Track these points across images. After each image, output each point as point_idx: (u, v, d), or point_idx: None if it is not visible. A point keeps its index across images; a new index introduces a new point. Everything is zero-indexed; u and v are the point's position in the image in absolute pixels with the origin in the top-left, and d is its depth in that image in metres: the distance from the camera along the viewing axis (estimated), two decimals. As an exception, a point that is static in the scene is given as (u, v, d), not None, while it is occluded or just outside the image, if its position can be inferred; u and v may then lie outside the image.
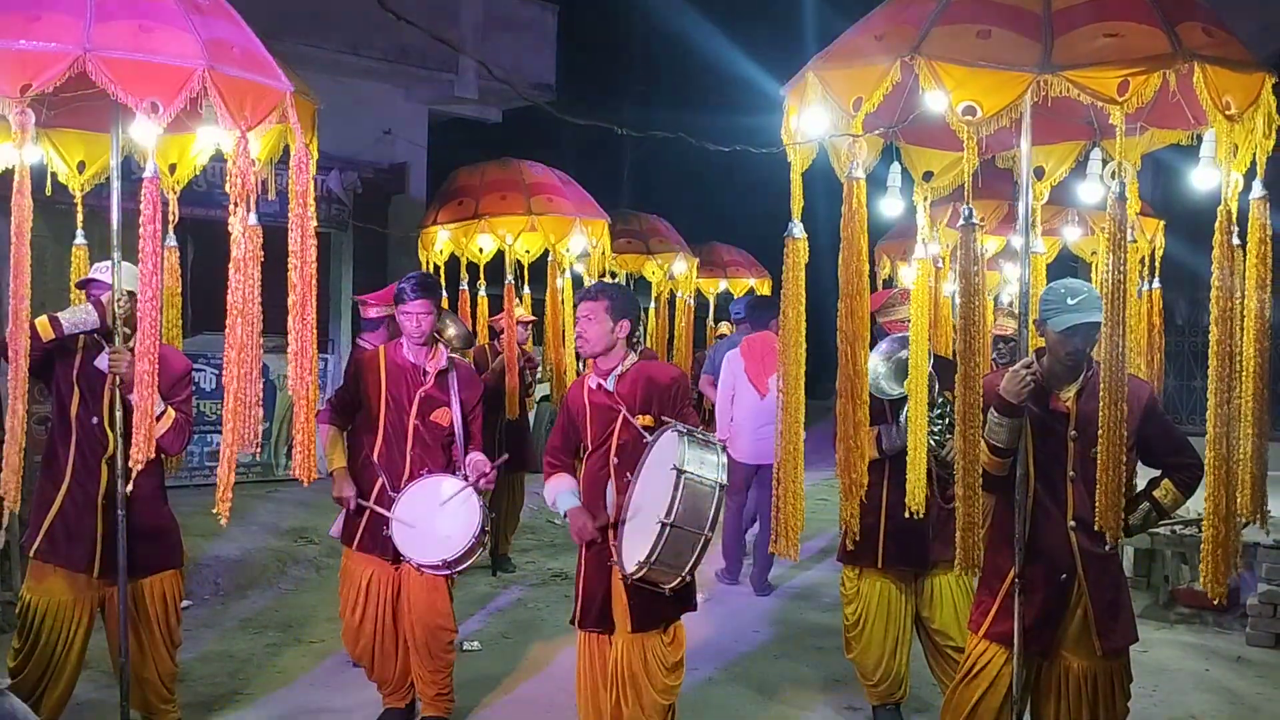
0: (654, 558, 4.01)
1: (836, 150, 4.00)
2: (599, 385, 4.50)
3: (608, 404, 4.47)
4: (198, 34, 3.83)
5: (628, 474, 4.35)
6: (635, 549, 4.13)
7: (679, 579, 4.14)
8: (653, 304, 11.82)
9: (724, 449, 4.21)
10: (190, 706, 5.24)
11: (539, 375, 8.64)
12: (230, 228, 4.00)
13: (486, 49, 12.76)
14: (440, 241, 8.25)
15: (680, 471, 3.98)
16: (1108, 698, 3.98)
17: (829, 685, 5.95)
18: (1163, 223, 7.35)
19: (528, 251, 8.36)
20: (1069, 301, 3.87)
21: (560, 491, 4.62)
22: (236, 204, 3.97)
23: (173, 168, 4.77)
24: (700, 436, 4.17)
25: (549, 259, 8.24)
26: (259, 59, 4.04)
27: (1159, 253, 7.23)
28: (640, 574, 4.10)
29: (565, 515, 4.59)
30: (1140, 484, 4.07)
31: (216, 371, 10.14)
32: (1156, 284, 7.16)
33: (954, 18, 3.61)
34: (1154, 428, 3.94)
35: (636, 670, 4.37)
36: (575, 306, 4.59)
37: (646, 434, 4.34)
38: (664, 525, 3.96)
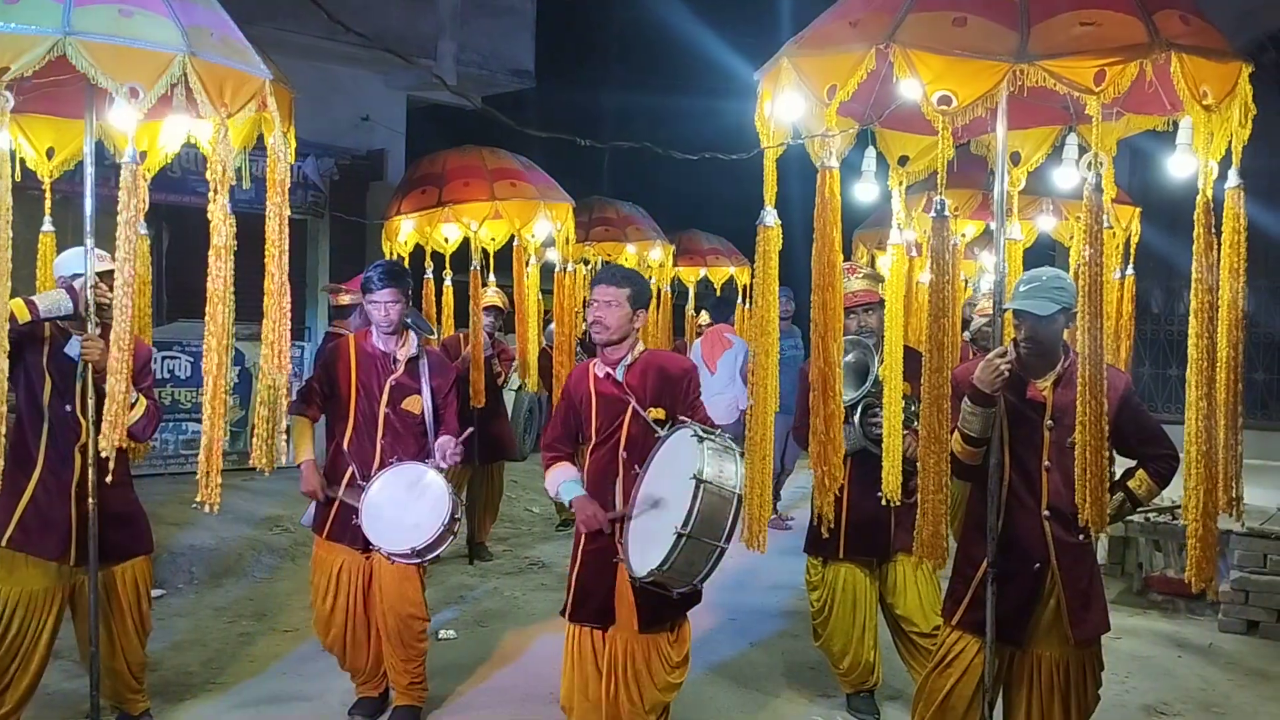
0: (667, 566, 3.90)
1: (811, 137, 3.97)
2: (607, 374, 4.36)
3: (616, 394, 4.33)
4: (178, 20, 3.80)
5: (636, 467, 4.23)
6: (646, 553, 4.01)
7: (689, 587, 4.06)
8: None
9: (741, 455, 4.05)
10: (162, 695, 5.22)
11: (514, 365, 8.58)
12: (210, 215, 3.97)
13: (465, 34, 12.67)
14: (405, 232, 8.18)
15: (700, 481, 3.86)
16: (1079, 686, 3.99)
17: (804, 673, 5.96)
18: (1138, 210, 7.36)
19: (493, 239, 8.30)
20: (1020, 288, 3.89)
21: (563, 481, 4.45)
22: (216, 191, 3.93)
23: (142, 155, 4.71)
24: (720, 443, 4.02)
25: (514, 244, 8.16)
26: (238, 46, 4.01)
27: (1134, 240, 7.23)
28: (650, 579, 4.00)
29: (570, 505, 4.41)
30: (1117, 472, 4.07)
31: (191, 359, 10.07)
32: (1130, 271, 7.16)
33: (930, 4, 3.58)
34: (1129, 418, 3.92)
35: (640, 668, 4.30)
36: (592, 287, 4.39)
37: (657, 427, 4.23)
38: (680, 535, 3.84)
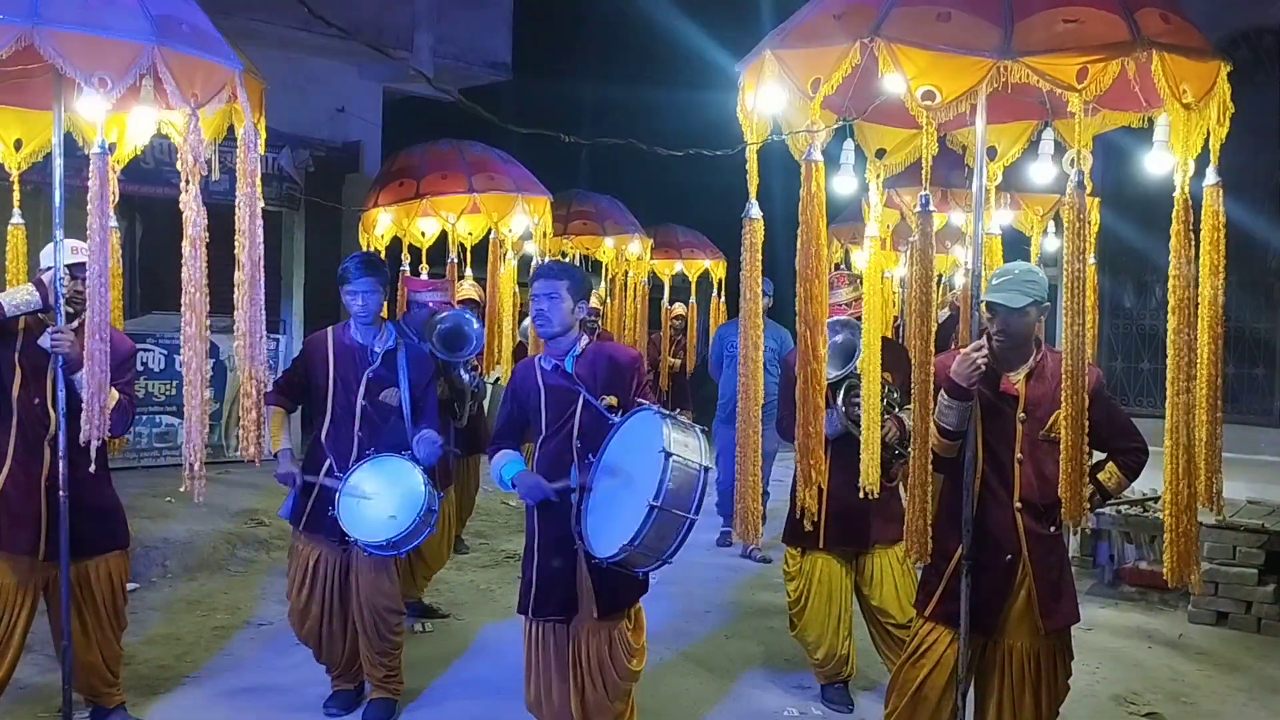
0: (638, 541, 3.89)
1: (793, 129, 3.96)
2: (555, 366, 4.36)
3: (565, 385, 4.33)
4: (147, 9, 3.76)
5: (590, 456, 4.24)
6: (612, 532, 4.01)
7: (659, 562, 4.04)
8: (604, 285, 11.78)
9: (702, 431, 4.11)
10: (136, 689, 5.18)
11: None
12: (182, 206, 3.93)
13: (442, 26, 12.61)
14: (382, 224, 8.13)
15: (668, 454, 3.88)
16: (1049, 676, 4.03)
17: (779, 665, 5.99)
18: (1098, 200, 7.38)
19: (470, 234, 8.27)
20: (993, 281, 3.92)
21: (503, 462, 4.40)
22: (187, 182, 3.90)
23: (111, 147, 4.66)
24: (681, 420, 4.07)
25: (491, 237, 8.12)
26: (208, 37, 3.97)
27: (1094, 229, 7.26)
28: (620, 557, 3.97)
29: (513, 482, 4.37)
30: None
31: (165, 351, 9.99)
32: (1092, 260, 7.19)
33: (914, -1, 3.59)
34: (1099, 411, 3.92)
35: (603, 656, 4.30)
36: (531, 284, 4.42)
37: (610, 414, 4.25)
38: (652, 508, 3.84)
